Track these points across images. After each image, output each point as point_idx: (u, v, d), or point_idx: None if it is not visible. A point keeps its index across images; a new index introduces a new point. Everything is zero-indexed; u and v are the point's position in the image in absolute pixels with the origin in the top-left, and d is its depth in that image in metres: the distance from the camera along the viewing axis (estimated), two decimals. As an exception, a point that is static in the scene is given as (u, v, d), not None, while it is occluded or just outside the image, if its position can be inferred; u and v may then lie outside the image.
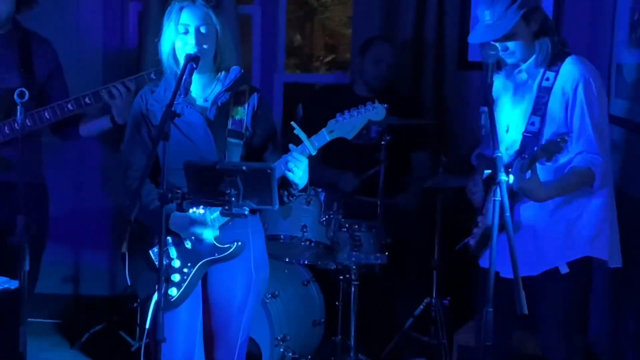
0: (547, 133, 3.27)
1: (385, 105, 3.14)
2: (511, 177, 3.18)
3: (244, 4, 5.54)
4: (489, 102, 2.90)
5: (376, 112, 3.09)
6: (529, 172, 3.09)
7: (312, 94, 6.02)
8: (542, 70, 3.31)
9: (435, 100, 5.24)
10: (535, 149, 3.12)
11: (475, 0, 5.07)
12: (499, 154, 2.83)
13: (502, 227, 2.86)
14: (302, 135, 3.07)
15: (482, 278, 3.48)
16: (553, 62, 3.30)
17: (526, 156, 3.15)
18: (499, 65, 3.37)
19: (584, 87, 3.26)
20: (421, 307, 4.74)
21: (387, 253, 4.41)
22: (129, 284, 3.25)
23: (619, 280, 4.33)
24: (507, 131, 3.37)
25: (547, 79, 3.30)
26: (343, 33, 6.99)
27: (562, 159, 3.24)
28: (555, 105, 3.28)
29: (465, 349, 4.33)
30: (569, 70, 3.29)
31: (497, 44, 3.23)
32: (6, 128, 3.79)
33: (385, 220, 4.48)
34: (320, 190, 4.39)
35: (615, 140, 4.18)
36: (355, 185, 4.87)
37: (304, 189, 3.18)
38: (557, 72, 3.29)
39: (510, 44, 3.26)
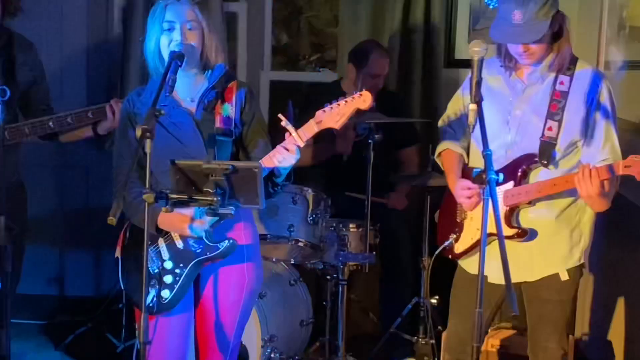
0: (565, 139, 3.25)
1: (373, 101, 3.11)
2: (501, 176, 3.17)
3: (230, 1, 5.50)
4: (478, 100, 2.86)
5: (363, 100, 3.06)
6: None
7: (300, 92, 6.00)
8: (553, 73, 3.27)
9: (424, 98, 5.23)
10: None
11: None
12: (489, 152, 2.80)
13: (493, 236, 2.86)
14: (290, 127, 3.04)
15: (462, 279, 3.49)
16: (567, 65, 3.26)
17: (545, 161, 3.18)
18: (508, 62, 3.32)
19: (607, 94, 3.25)
20: (409, 306, 4.72)
21: (374, 252, 4.39)
22: (123, 288, 3.23)
23: (611, 284, 4.32)
24: (508, 132, 3.32)
25: (562, 83, 3.25)
26: (329, 32, 6.97)
27: (571, 164, 3.25)
28: (573, 110, 3.24)
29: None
30: (588, 75, 3.26)
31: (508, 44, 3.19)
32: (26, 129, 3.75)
33: (373, 219, 4.45)
34: (307, 189, 4.36)
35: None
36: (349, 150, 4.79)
37: (288, 178, 3.15)
38: (571, 77, 3.25)
39: (533, 46, 3.20)
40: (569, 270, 3.35)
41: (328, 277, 4.43)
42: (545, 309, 3.37)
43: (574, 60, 3.29)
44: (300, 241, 4.34)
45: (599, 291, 4.49)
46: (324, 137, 3.92)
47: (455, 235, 3.50)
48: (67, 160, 5.46)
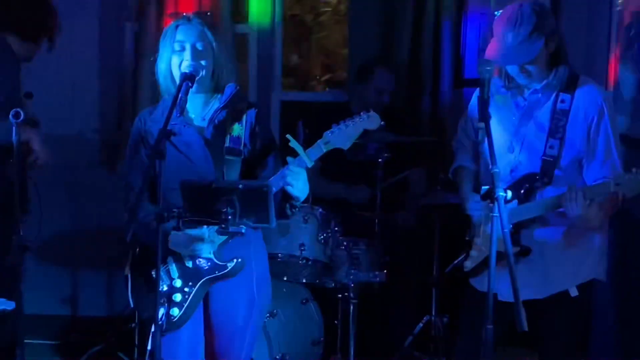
0: (567, 157, 3.27)
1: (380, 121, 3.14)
2: (509, 193, 3.19)
3: (241, 22, 5.54)
4: (486, 118, 2.89)
5: (371, 120, 3.09)
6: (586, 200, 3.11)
7: (311, 112, 6.03)
8: (555, 92, 3.30)
9: (432, 117, 5.24)
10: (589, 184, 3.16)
11: (483, 18, 5.10)
12: (497, 170, 2.82)
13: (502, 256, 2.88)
14: (298, 148, 3.06)
15: (472, 298, 3.49)
16: (567, 83, 3.30)
17: (547, 180, 3.21)
18: (508, 82, 3.36)
19: (607, 112, 3.27)
20: (420, 325, 4.71)
21: (385, 271, 4.40)
22: (132, 306, 3.25)
23: (622, 299, 4.31)
24: (512, 151, 3.35)
25: (563, 101, 3.28)
26: (339, 52, 7.00)
27: (588, 182, 3.27)
28: (575, 128, 3.27)
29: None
30: (589, 93, 3.29)
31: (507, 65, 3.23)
32: None
33: (383, 237, 4.46)
34: (317, 207, 4.38)
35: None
36: (368, 196, 4.82)
37: (306, 200, 3.18)
38: (572, 95, 3.28)
39: (530, 67, 3.24)
40: (578, 287, 3.34)
41: (339, 295, 4.44)
42: (555, 326, 3.37)
43: (575, 78, 3.31)
44: (311, 260, 4.35)
45: (611, 310, 4.48)
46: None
47: (464, 254, 3.51)
48: (79, 180, 5.49)
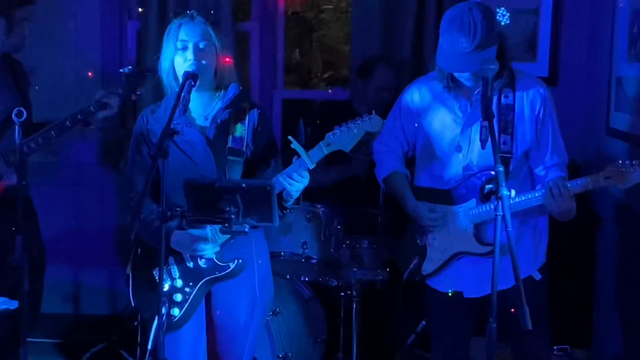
0: (519, 151, 3.33)
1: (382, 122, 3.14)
2: (513, 192, 3.19)
3: (242, 20, 5.54)
4: (489, 116, 2.89)
5: (372, 123, 3.09)
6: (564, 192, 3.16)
7: (312, 110, 6.02)
8: (497, 89, 3.30)
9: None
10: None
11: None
12: (501, 169, 2.81)
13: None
14: (300, 149, 3.06)
15: (434, 299, 3.53)
16: (508, 79, 3.33)
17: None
18: (457, 84, 3.35)
19: (550, 102, 3.34)
20: (423, 323, 4.71)
21: (388, 269, 4.39)
22: (133, 305, 3.25)
23: (624, 293, 4.32)
24: (459, 151, 3.38)
25: (506, 96, 3.31)
26: (341, 50, 7.00)
27: (537, 171, 3.36)
28: (523, 122, 3.32)
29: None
30: (530, 86, 3.34)
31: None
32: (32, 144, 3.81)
33: (386, 235, 4.45)
34: (320, 206, 4.37)
35: (618, 154, 4.17)
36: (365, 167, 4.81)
37: (297, 201, 3.18)
38: (513, 88, 3.31)
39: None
40: (539, 270, 3.43)
41: (342, 294, 4.44)
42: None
43: (513, 73, 3.35)
44: (314, 258, 4.36)
45: (612, 304, 4.49)
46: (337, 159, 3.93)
47: (417, 260, 3.53)
48: (82, 179, 5.49)
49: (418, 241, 3.54)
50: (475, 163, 3.37)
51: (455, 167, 3.39)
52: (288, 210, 3.21)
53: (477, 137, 3.26)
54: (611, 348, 4.50)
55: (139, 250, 3.26)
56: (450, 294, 3.45)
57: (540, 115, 3.33)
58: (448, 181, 3.42)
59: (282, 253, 4.36)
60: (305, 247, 4.32)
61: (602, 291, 4.62)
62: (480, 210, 3.34)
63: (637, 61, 4.13)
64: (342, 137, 3.08)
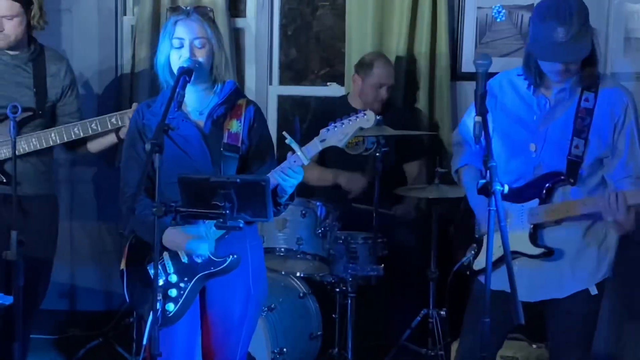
0: (591, 156, 3.24)
1: (377, 115, 3.14)
2: (506, 187, 3.18)
3: (238, 17, 5.54)
4: (483, 112, 2.88)
5: (367, 119, 3.09)
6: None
7: (308, 106, 6.02)
8: (579, 90, 3.24)
9: (430, 111, 5.24)
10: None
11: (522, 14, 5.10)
12: (494, 164, 2.80)
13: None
14: (295, 145, 3.07)
15: (480, 293, 3.46)
16: (590, 82, 3.24)
17: (572, 180, 3.19)
18: (542, 80, 3.26)
19: (633, 110, 3.23)
20: (418, 318, 4.72)
21: (383, 265, 4.40)
22: (128, 300, 3.25)
23: (623, 293, 4.32)
24: (532, 149, 3.30)
25: (587, 100, 3.22)
26: (337, 46, 7.00)
27: (609, 180, 3.26)
28: (600, 128, 3.22)
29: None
30: (614, 92, 3.24)
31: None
32: (23, 143, 3.84)
33: (381, 231, 4.46)
34: (315, 202, 4.38)
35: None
36: (364, 186, 4.83)
37: (291, 198, 3.19)
38: (596, 93, 3.22)
39: (573, 65, 3.15)
40: (597, 285, 3.34)
41: (337, 289, 4.45)
42: (571, 323, 3.35)
43: (597, 76, 3.25)
44: (309, 254, 4.36)
45: (611, 304, 4.49)
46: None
47: (473, 252, 3.48)
48: (77, 174, 5.49)
49: (476, 235, 3.49)
50: (546, 163, 3.29)
51: (527, 165, 3.31)
52: (282, 207, 3.22)
53: (554, 136, 3.25)
54: (610, 347, 4.50)
55: (133, 245, 3.26)
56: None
57: (620, 123, 3.22)
58: (517, 179, 3.33)
59: (277, 249, 4.36)
60: (300, 242, 4.33)
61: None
62: (539, 210, 3.26)
63: (632, 57, 4.14)
64: (337, 133, 3.09)
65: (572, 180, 3.23)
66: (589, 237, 3.32)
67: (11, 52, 3.98)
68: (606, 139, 3.23)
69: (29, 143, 3.86)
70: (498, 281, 3.10)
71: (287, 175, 3.07)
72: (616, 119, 3.22)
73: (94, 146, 4.11)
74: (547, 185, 3.25)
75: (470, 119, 3.49)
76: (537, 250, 3.27)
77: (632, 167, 3.24)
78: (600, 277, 3.36)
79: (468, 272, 3.51)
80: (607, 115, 3.22)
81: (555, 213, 3.24)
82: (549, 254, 3.26)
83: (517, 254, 3.29)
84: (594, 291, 3.33)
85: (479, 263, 3.44)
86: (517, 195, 3.31)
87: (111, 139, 4.01)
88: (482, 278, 3.47)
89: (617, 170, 3.24)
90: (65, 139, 3.89)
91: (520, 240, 3.29)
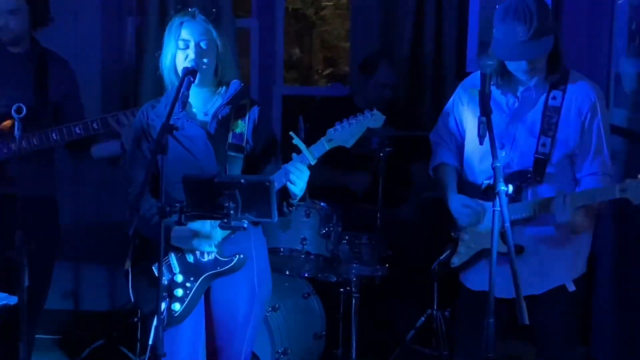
0: (558, 154, 3.26)
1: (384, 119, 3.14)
2: (510, 188, 3.19)
3: (242, 17, 5.54)
4: (487, 112, 2.89)
5: (374, 119, 3.09)
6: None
7: (312, 106, 6.03)
8: (546, 88, 3.26)
9: (434, 111, 5.22)
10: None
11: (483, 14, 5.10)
12: (499, 164, 2.81)
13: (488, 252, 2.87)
14: (301, 145, 3.06)
15: (465, 297, 3.48)
16: (558, 79, 3.26)
17: (539, 178, 3.20)
18: (502, 79, 3.30)
19: (600, 108, 3.24)
20: (422, 318, 4.72)
21: (387, 265, 4.40)
22: (133, 300, 3.25)
23: (623, 291, 4.32)
24: (501, 148, 3.31)
25: (555, 98, 3.24)
26: (341, 46, 7.00)
27: (578, 177, 3.28)
28: (568, 125, 3.24)
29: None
30: (581, 89, 3.25)
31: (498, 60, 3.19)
32: (24, 142, 3.83)
33: (385, 231, 4.46)
34: (319, 202, 4.38)
35: (615, 149, 4.17)
36: (366, 184, 4.82)
37: (303, 199, 3.18)
38: (564, 91, 3.24)
39: (538, 63, 3.18)
40: (575, 281, 3.36)
41: (341, 289, 4.45)
42: (551, 319, 3.38)
43: (566, 74, 3.28)
44: (313, 254, 4.36)
45: (611, 303, 4.49)
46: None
47: (449, 250, 3.53)
48: (80, 174, 5.49)
49: (452, 233, 3.52)
50: (515, 162, 3.31)
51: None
52: (294, 207, 3.21)
53: (522, 135, 3.27)
54: (610, 347, 4.51)
55: (138, 245, 3.26)
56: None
57: (587, 120, 3.24)
58: (490, 178, 3.33)
59: (282, 249, 4.36)
60: (304, 243, 4.33)
61: (601, 290, 4.62)
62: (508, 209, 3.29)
63: (636, 57, 4.13)
64: (344, 133, 3.08)
65: (538, 179, 3.25)
66: (562, 233, 3.32)
67: (12, 49, 3.97)
68: (573, 137, 3.25)
69: (29, 143, 3.85)
70: (479, 281, 3.21)
71: (296, 177, 3.06)
72: (583, 116, 3.25)
73: (97, 151, 4.09)
74: (515, 183, 3.25)
75: (446, 116, 3.56)
76: (505, 248, 3.28)
77: (599, 164, 3.26)
78: (576, 273, 3.38)
79: (446, 271, 3.55)
80: (574, 113, 3.25)
81: (523, 211, 3.26)
82: (519, 251, 3.24)
83: (488, 251, 3.30)
84: (571, 287, 3.36)
85: (454, 261, 3.50)
86: (489, 194, 3.31)
87: (115, 148, 3.98)
88: (463, 279, 3.53)
89: (584, 167, 3.27)
90: (67, 138, 3.87)
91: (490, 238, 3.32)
